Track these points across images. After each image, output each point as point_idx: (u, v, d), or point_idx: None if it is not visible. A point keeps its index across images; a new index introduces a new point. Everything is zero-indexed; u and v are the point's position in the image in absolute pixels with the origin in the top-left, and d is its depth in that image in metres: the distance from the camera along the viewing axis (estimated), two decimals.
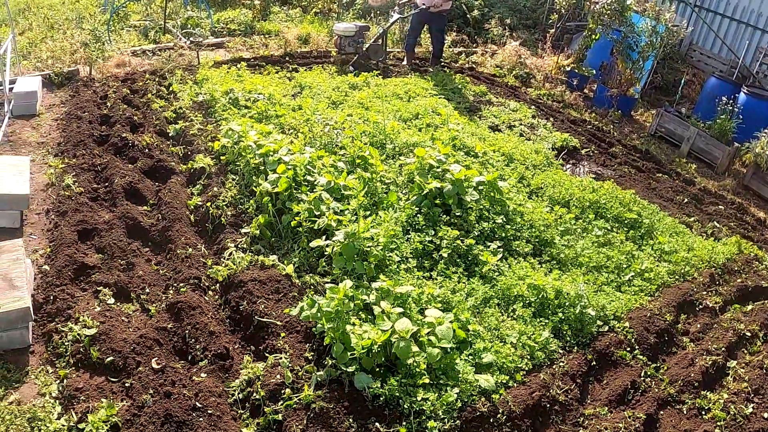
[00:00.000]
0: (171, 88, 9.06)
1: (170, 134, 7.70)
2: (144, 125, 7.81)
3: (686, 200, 8.30)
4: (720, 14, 13.32)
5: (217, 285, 5.23)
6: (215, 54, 11.25)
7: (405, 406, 4.07)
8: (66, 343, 4.42)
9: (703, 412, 4.70)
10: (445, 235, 5.74)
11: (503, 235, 6.12)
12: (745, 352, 5.45)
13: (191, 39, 11.31)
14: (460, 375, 4.37)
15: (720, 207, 8.34)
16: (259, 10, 13.80)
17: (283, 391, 4.09)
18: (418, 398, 4.10)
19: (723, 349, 5.31)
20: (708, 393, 4.85)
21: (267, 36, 12.63)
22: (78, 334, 4.44)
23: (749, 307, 6.05)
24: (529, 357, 4.81)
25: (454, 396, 4.20)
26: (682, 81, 12.01)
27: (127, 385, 4.16)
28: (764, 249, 7.23)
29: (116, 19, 12.20)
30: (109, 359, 4.29)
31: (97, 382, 4.18)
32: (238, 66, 10.06)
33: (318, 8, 14.98)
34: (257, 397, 4.09)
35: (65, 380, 4.18)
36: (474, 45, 14.29)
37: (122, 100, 8.50)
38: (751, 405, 4.77)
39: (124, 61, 10.15)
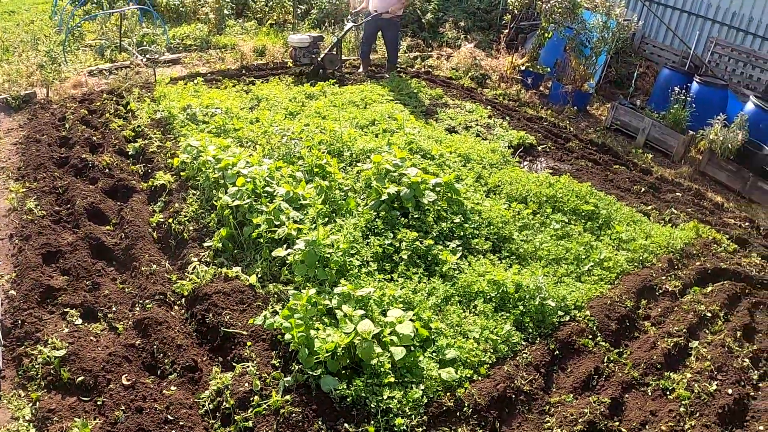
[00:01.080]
0: (129, 107, 9.06)
1: (130, 153, 7.72)
2: (103, 145, 7.82)
3: (643, 189, 8.50)
4: (670, 7, 13.69)
5: (183, 299, 5.29)
6: (172, 70, 11.24)
7: (372, 406, 4.17)
8: (36, 366, 4.45)
9: (668, 393, 4.83)
10: (404, 237, 5.84)
11: (462, 233, 6.23)
12: (707, 332, 5.64)
13: (147, 56, 11.31)
14: (425, 372, 4.48)
15: (677, 194, 8.57)
16: (214, 24, 13.82)
17: (251, 399, 4.16)
18: (384, 397, 4.20)
19: (684, 330, 5.47)
20: (671, 374, 4.99)
21: (223, 50, 12.65)
22: (48, 357, 4.47)
23: (709, 289, 6.24)
24: (492, 350, 4.91)
25: (420, 393, 4.30)
26: (635, 74, 12.30)
27: (99, 403, 4.21)
28: (722, 232, 7.44)
29: (71, 40, 12.14)
30: (80, 379, 4.33)
31: (70, 402, 4.22)
32: (195, 81, 10.07)
33: (273, 20, 15.03)
34: (227, 406, 4.16)
35: (38, 402, 4.21)
36: (429, 49, 14.44)
37: (80, 121, 8.49)
38: (715, 382, 4.89)
39: (81, 82, 10.12)
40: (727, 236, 7.38)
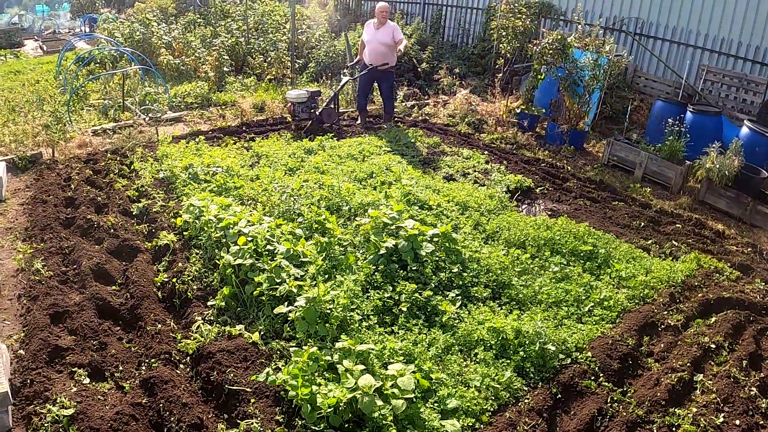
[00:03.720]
0: (132, 167, 9.27)
1: (134, 213, 7.88)
2: (108, 205, 8.00)
3: (643, 224, 8.51)
4: (660, 39, 13.96)
5: (188, 358, 5.38)
6: (174, 129, 11.48)
7: None
8: (46, 425, 4.51)
9: (674, 429, 4.80)
10: (404, 289, 5.95)
11: (460, 282, 6.33)
12: (712, 364, 5.61)
13: (150, 115, 11.55)
14: (426, 423, 4.53)
15: (677, 225, 8.56)
16: (214, 82, 14.12)
17: None
18: None
19: (688, 364, 5.44)
20: (677, 410, 4.97)
21: (223, 107, 12.94)
22: (57, 415, 4.54)
23: (713, 320, 6.23)
24: (493, 398, 4.95)
25: None
26: (629, 108, 12.37)
27: None
28: (724, 260, 7.46)
29: (76, 99, 12.42)
30: None
31: None
32: (197, 140, 10.28)
33: (272, 75, 15.33)
34: None
35: None
36: (426, 97, 14.67)
37: (86, 182, 8.70)
38: (722, 414, 4.90)
39: (86, 142, 10.35)
40: (729, 264, 7.37)
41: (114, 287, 6.40)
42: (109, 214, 7.71)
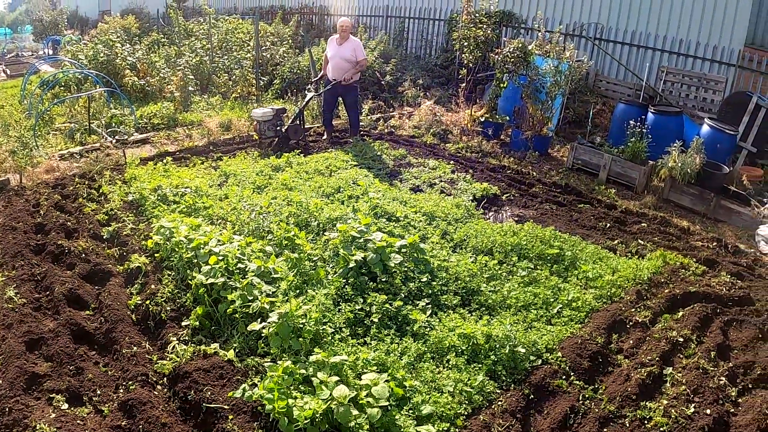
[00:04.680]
0: (101, 190, 9.24)
1: (104, 237, 7.85)
2: (78, 230, 7.96)
3: (609, 225, 8.67)
4: (619, 42, 14.30)
5: (165, 378, 5.40)
6: (141, 150, 11.44)
7: None
8: None
9: (646, 422, 4.88)
10: (374, 301, 6.02)
11: (430, 291, 6.42)
12: (681, 357, 5.71)
13: (116, 137, 11.52)
14: (402, 429, 4.59)
15: (643, 225, 8.73)
16: (180, 102, 14.09)
17: None
18: None
19: (657, 359, 5.54)
20: (648, 403, 5.05)
21: (190, 127, 12.92)
22: None
23: (680, 314, 6.35)
24: (467, 402, 5.03)
25: None
26: (590, 112, 12.62)
27: None
28: (690, 255, 7.63)
29: (41, 124, 12.33)
30: None
31: None
32: (164, 161, 10.26)
33: (237, 93, 15.36)
34: None
35: None
36: (391, 109, 14.77)
37: (55, 207, 8.65)
38: (693, 405, 4.98)
39: (53, 166, 10.29)
40: (695, 259, 7.53)
41: (88, 312, 6.38)
42: (79, 238, 7.68)
